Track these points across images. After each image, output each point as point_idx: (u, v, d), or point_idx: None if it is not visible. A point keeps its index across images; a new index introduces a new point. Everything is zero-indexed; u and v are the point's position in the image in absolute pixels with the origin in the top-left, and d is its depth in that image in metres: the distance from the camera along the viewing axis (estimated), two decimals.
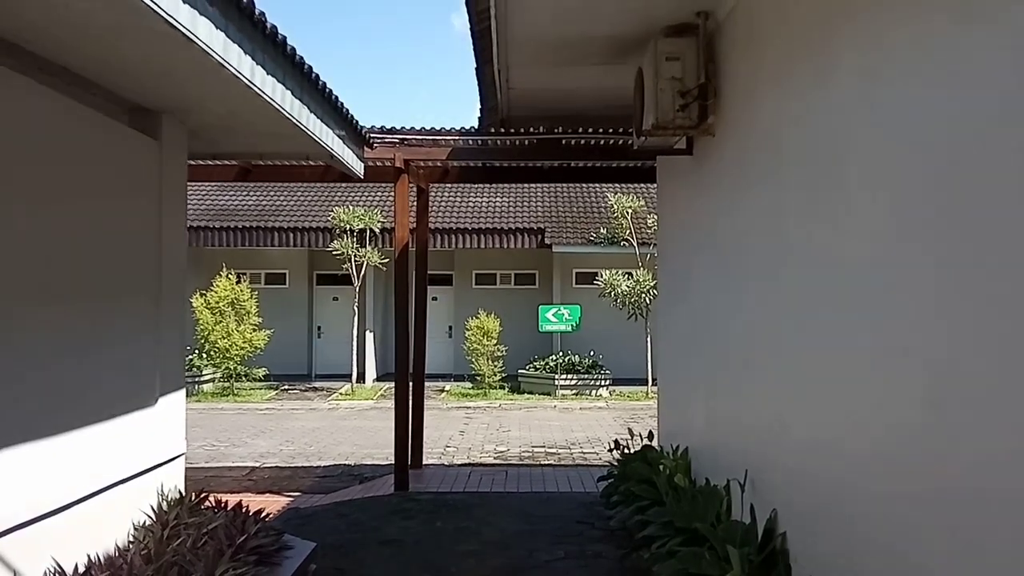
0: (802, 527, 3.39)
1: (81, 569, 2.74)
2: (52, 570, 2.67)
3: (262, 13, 2.81)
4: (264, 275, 17.49)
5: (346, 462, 9.13)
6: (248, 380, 15.00)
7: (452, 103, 61.42)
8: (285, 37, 3.07)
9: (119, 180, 3.43)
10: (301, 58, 3.34)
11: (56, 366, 2.94)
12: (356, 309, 15.41)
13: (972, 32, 2.07)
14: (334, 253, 14.90)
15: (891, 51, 2.55)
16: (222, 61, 2.59)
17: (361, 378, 15.93)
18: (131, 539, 3.25)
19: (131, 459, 3.40)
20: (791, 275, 3.54)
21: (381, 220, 15.16)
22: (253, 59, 2.86)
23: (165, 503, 3.57)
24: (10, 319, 2.69)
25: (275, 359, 15.63)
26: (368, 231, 14.98)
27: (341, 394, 14.92)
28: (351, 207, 15.17)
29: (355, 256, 14.84)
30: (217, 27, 2.50)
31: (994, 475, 1.97)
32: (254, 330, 14.70)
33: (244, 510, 3.68)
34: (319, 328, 17.67)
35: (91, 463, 3.10)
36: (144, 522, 3.41)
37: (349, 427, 11.68)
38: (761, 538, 3.67)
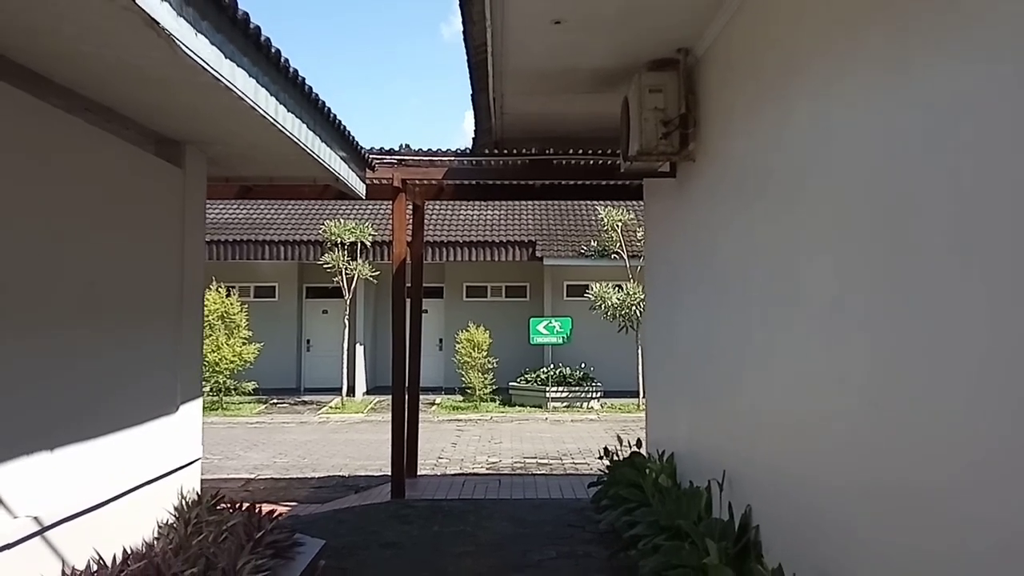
0: (773, 520, 3.71)
1: (119, 560, 3.01)
2: (95, 559, 2.94)
3: (287, 60, 3.14)
4: (253, 288, 17.49)
5: (340, 473, 9.29)
6: (237, 394, 14.99)
7: (440, 107, 61.99)
8: (304, 78, 3.41)
9: (148, 205, 3.75)
10: (316, 95, 3.68)
11: (95, 373, 3.23)
12: (347, 322, 15.56)
13: (901, 82, 2.43)
14: (325, 266, 15.02)
15: (836, 96, 2.93)
16: (252, 104, 2.91)
17: (351, 391, 16.02)
18: (156, 535, 3.52)
19: (156, 462, 3.68)
20: (760, 293, 3.89)
21: (372, 233, 15.33)
22: (277, 99, 3.19)
23: (185, 503, 3.85)
24: (61, 333, 2.99)
25: (264, 373, 15.56)
26: (359, 244, 15.14)
27: (331, 407, 15.02)
28: (342, 220, 15.29)
29: (346, 269, 14.99)
30: (250, 75, 2.83)
31: (923, 468, 2.30)
32: (244, 343, 14.72)
33: (258, 510, 3.95)
34: (308, 341, 17.76)
35: (123, 465, 3.38)
36: (167, 520, 3.69)
37: (341, 440, 11.84)
38: (737, 531, 3.98)
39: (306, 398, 16.29)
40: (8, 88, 2.62)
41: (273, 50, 2.99)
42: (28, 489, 2.70)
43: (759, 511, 3.88)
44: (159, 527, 3.61)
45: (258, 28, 2.83)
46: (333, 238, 14.87)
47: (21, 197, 2.77)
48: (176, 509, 3.79)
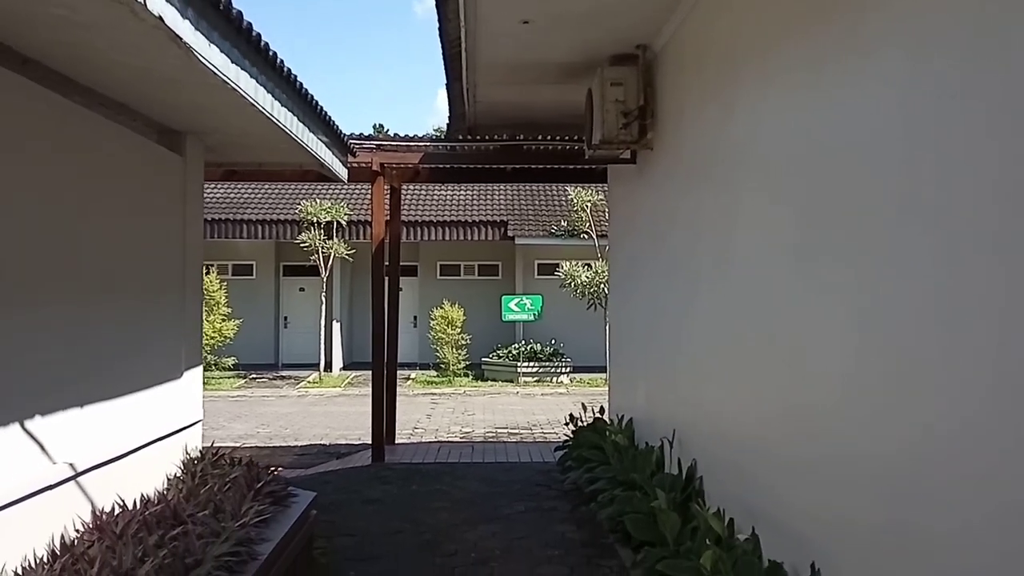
0: (713, 472, 4.24)
1: (138, 504, 3.43)
2: (118, 503, 3.36)
3: (282, 60, 3.53)
4: (231, 266, 17.72)
5: (321, 442, 9.72)
6: (217, 369, 15.32)
7: (415, 83, 61.58)
8: (296, 75, 3.79)
9: (155, 191, 4.13)
10: (306, 90, 4.07)
11: (114, 341, 3.63)
12: (323, 299, 15.88)
13: (822, 82, 2.90)
14: (301, 245, 15.29)
15: (769, 94, 3.40)
16: (252, 101, 3.30)
17: (328, 367, 16.39)
18: (167, 486, 3.95)
19: (165, 421, 4.12)
20: (704, 272, 4.39)
21: (348, 213, 15.60)
22: (273, 95, 3.57)
23: (190, 459, 4.27)
24: (87, 303, 3.38)
25: (242, 349, 15.93)
26: (335, 224, 15.41)
27: (310, 382, 15.40)
28: (318, 200, 15.56)
29: (322, 248, 15.28)
30: (251, 76, 3.21)
31: (836, 433, 2.78)
32: (223, 320, 15.03)
33: (256, 465, 4.40)
34: (285, 318, 18.05)
35: (138, 422, 3.81)
36: (175, 473, 4.11)
37: (320, 412, 12.24)
38: (684, 482, 4.52)
39: (284, 373, 16.62)
40: (43, 91, 3.00)
41: (271, 53, 3.37)
42: (63, 439, 3.11)
43: (703, 464, 4.41)
44: (168, 479, 4.04)
45: (259, 35, 3.21)
46: (310, 217, 15.13)
47: (56, 188, 3.16)
48: (183, 463, 4.22)
